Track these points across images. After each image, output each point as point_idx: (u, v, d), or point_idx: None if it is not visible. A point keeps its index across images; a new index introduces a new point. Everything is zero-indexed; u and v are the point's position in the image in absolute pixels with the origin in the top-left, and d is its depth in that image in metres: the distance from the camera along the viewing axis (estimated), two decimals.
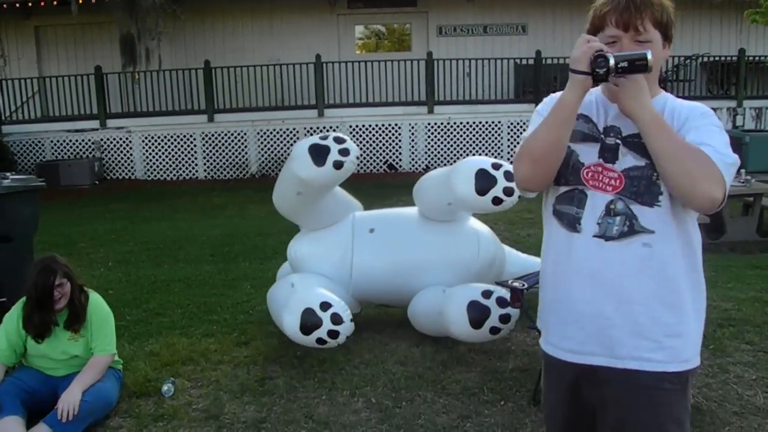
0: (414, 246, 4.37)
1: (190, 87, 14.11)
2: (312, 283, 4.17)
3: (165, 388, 3.79)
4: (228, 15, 15.29)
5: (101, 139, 14.05)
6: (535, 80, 13.80)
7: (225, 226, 9.46)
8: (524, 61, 13.98)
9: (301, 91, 14.23)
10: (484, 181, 3.91)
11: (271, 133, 14.06)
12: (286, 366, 4.00)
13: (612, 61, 1.72)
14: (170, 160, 14.14)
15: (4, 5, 14.13)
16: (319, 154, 4.03)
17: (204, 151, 14.13)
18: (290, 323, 3.84)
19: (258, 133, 14.05)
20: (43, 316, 3.55)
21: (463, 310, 3.81)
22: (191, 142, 14.07)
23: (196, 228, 9.49)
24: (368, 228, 4.46)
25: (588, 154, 1.86)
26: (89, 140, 14.04)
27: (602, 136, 1.86)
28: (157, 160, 14.13)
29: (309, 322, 3.77)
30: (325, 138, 4.16)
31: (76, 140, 14.05)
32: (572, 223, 1.85)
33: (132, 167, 14.18)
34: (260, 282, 6.19)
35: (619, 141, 1.84)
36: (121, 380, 3.80)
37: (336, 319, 3.78)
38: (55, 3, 13.55)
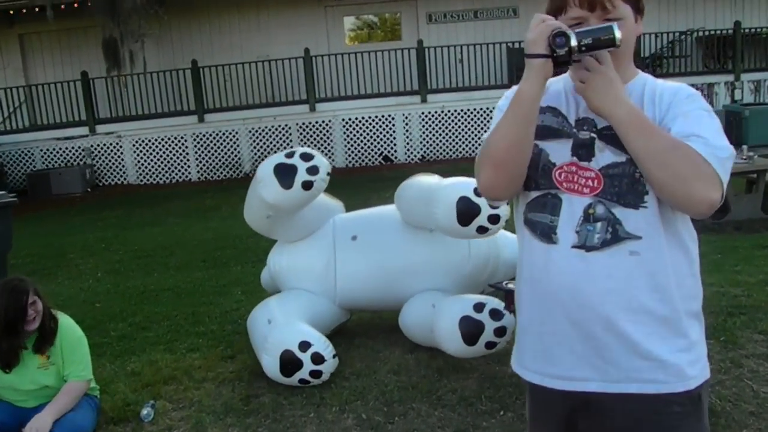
0: (399, 251, 4.12)
1: (179, 88, 13.88)
2: (291, 314, 3.94)
3: (144, 412, 3.57)
4: (214, 12, 15.04)
5: (91, 146, 13.83)
6: None
7: (218, 229, 9.25)
8: (517, 45, 13.70)
9: (291, 87, 13.98)
10: (466, 211, 3.57)
11: (263, 130, 13.82)
12: (273, 382, 3.78)
13: (574, 40, 1.48)
14: (162, 163, 13.92)
15: None
16: (285, 174, 3.76)
17: (196, 153, 13.91)
18: (270, 366, 3.69)
19: (250, 132, 13.81)
20: (11, 341, 3.32)
21: (455, 327, 3.57)
22: (182, 144, 13.85)
23: (189, 232, 9.29)
24: (350, 235, 4.21)
25: (559, 152, 1.61)
26: (79, 147, 13.82)
27: (574, 130, 1.61)
28: (148, 163, 13.91)
29: (289, 364, 3.60)
30: (291, 156, 3.87)
31: (66, 148, 13.83)
32: (547, 234, 1.61)
33: (124, 172, 13.97)
34: (251, 287, 5.98)
35: (594, 134, 1.59)
36: (98, 407, 3.58)
37: (317, 358, 3.61)
38: (37, 9, 13.30)
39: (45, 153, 13.86)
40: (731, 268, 5.39)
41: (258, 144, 13.84)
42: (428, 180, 4.03)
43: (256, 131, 13.82)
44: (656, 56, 14.07)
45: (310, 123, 13.76)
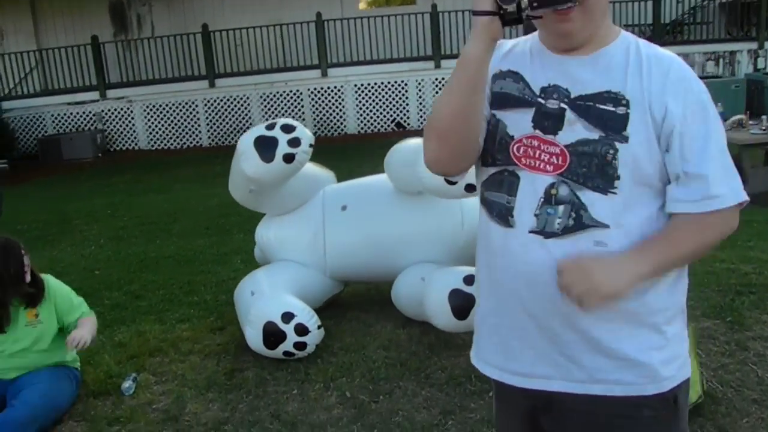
0: (390, 221, 3.96)
1: (189, 52, 13.70)
2: (276, 285, 3.81)
3: (126, 385, 3.48)
4: None
5: (102, 111, 13.74)
6: None
7: (224, 195, 8.98)
8: None
9: (303, 51, 13.75)
10: None
11: (274, 96, 13.64)
12: (259, 355, 3.67)
13: None
14: (173, 128, 13.81)
15: None
16: (266, 147, 3.58)
17: (207, 118, 13.77)
18: (253, 338, 3.58)
19: (261, 97, 13.64)
20: (3, 299, 3.23)
21: (445, 301, 3.42)
22: (193, 109, 13.71)
23: (194, 199, 9.19)
24: (340, 205, 4.05)
25: (518, 123, 1.43)
26: (90, 112, 13.74)
27: (539, 99, 1.42)
28: (159, 129, 13.81)
29: (272, 336, 3.49)
30: (271, 127, 3.68)
31: (77, 113, 13.76)
32: (503, 216, 1.44)
33: (135, 138, 13.89)
34: (251, 256, 5.81)
35: (564, 105, 1.39)
36: (78, 380, 3.49)
37: (301, 329, 3.49)
38: None
39: (56, 118, 13.79)
40: (744, 244, 5.17)
41: (269, 109, 13.66)
42: (414, 142, 3.85)
43: (268, 96, 13.64)
44: (677, 23, 13.63)
45: (321, 88, 13.55)
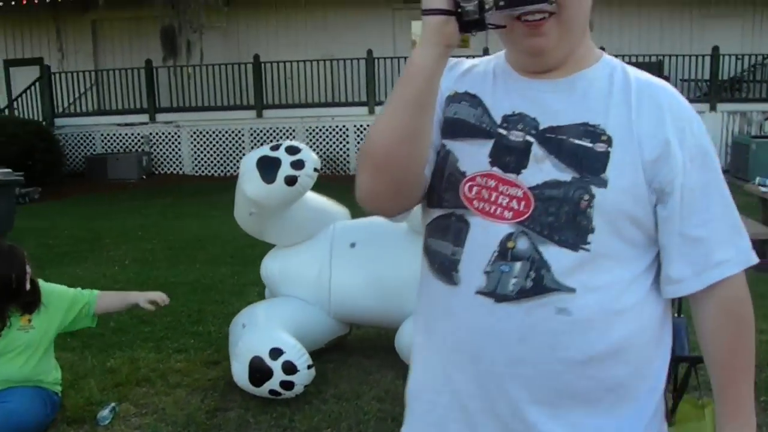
0: (400, 263, 3.72)
1: (240, 82, 13.83)
2: (270, 321, 3.63)
3: (103, 414, 3.31)
4: (282, 8, 14.94)
5: (150, 134, 13.92)
6: None
7: None
8: None
9: (352, 88, 13.75)
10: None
11: (320, 130, 13.63)
12: (247, 395, 3.46)
13: None
14: (218, 155, 13.89)
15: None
16: (268, 168, 3.45)
17: (252, 147, 13.80)
18: (239, 373, 3.39)
19: (307, 130, 13.64)
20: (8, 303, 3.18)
21: None
22: (239, 138, 13.79)
23: (226, 226, 9.03)
24: (349, 242, 3.86)
25: (473, 157, 1.17)
26: (138, 134, 13.93)
27: (500, 129, 1.16)
28: (205, 155, 13.91)
29: (258, 372, 3.30)
30: (276, 148, 3.55)
31: (126, 134, 13.97)
32: (446, 270, 1.17)
33: (180, 162, 14.01)
34: None
35: (531, 138, 1.14)
36: (56, 403, 3.33)
37: (289, 367, 3.29)
38: None
39: (105, 138, 14.02)
40: None
41: (314, 143, 13.65)
42: None
43: (314, 130, 13.64)
44: (735, 80, 13.20)
45: (368, 125, 13.49)
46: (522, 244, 1.11)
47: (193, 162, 13.96)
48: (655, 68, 13.01)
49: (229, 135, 13.79)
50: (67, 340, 4.13)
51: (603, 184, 1.10)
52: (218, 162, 13.89)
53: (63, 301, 3.38)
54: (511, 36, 1.14)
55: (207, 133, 13.82)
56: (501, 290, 1.11)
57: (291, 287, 3.91)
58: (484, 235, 1.13)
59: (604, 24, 14.10)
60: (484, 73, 1.23)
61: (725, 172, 12.16)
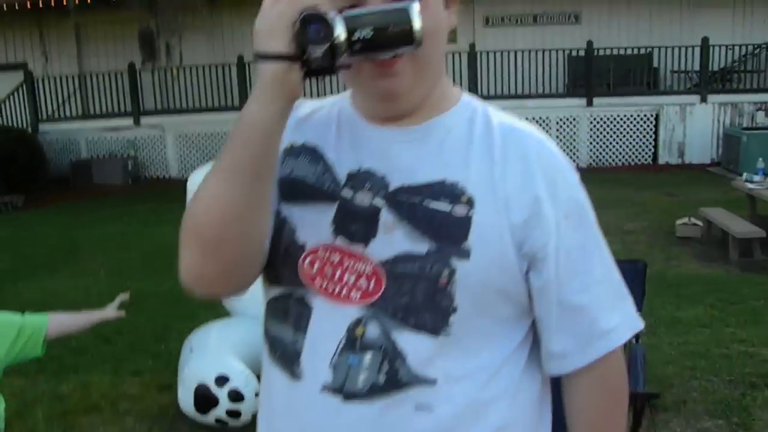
0: None
1: (224, 83, 13.68)
2: (221, 344, 3.49)
3: None
4: None
5: (135, 137, 13.78)
6: (587, 73, 12.70)
7: None
8: (576, 53, 12.90)
9: (337, 87, 13.55)
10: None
11: None
12: (195, 423, 3.33)
13: (339, 28, 0.87)
14: (204, 158, 13.73)
15: (40, 4, 13.97)
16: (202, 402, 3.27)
17: None
18: (185, 401, 3.28)
19: None
20: None
21: None
22: (224, 139, 13.60)
23: None
24: None
25: (314, 225, 0.99)
26: (123, 139, 13.79)
27: (344, 190, 1.00)
28: (191, 158, 13.78)
29: (202, 400, 3.19)
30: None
31: (111, 138, 13.84)
32: (288, 361, 1.00)
33: (166, 166, 13.88)
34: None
35: (379, 201, 0.98)
36: None
37: (235, 395, 3.18)
38: (89, 1, 13.29)
39: (90, 143, 13.88)
40: None
41: None
42: None
43: None
44: (726, 71, 13.00)
45: None
46: (372, 331, 0.94)
47: (179, 165, 13.82)
48: (645, 60, 12.85)
49: (216, 137, 13.63)
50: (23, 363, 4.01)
51: (465, 255, 0.94)
52: (204, 165, 13.74)
53: (10, 329, 3.22)
54: (358, 78, 0.98)
55: (192, 135, 13.68)
56: (350, 386, 0.95)
57: (246, 303, 3.77)
58: (329, 321, 0.97)
59: (593, 17, 13.92)
60: (326, 120, 1.06)
61: (717, 164, 12.11)
